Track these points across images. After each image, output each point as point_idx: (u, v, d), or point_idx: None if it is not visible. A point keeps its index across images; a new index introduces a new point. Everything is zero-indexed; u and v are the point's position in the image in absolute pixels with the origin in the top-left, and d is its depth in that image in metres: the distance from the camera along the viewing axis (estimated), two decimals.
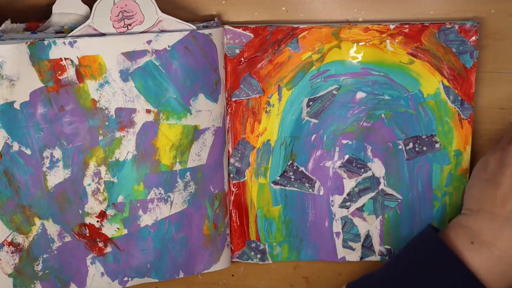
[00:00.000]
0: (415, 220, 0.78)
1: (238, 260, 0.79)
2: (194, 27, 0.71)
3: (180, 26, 0.71)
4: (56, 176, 0.71)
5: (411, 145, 0.77)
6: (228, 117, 0.76)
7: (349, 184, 0.78)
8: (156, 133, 0.72)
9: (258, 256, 0.79)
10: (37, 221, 0.72)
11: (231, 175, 0.77)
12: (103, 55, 0.70)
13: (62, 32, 0.71)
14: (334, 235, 0.79)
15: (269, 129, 0.76)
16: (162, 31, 0.71)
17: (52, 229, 0.73)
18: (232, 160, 0.77)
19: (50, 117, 0.70)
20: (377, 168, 0.77)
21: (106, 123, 0.71)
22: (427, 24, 0.74)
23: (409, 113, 0.76)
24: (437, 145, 0.76)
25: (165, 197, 0.74)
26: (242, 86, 0.75)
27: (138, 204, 0.74)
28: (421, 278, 0.68)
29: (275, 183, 0.78)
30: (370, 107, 0.76)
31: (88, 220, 0.73)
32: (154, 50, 0.70)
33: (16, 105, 0.68)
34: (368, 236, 0.79)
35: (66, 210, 0.72)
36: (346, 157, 0.77)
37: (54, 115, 0.70)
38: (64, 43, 0.68)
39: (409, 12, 0.75)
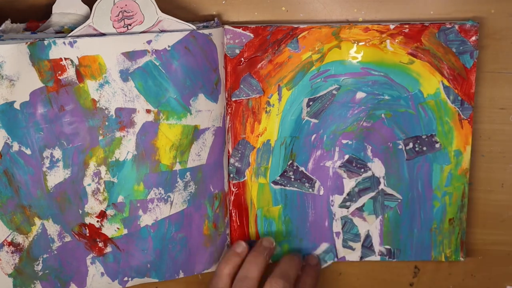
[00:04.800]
0: (415, 220, 0.78)
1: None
2: (194, 27, 0.71)
3: (180, 26, 0.71)
4: (56, 176, 0.71)
5: (411, 145, 0.77)
6: (228, 117, 0.76)
7: (349, 184, 0.78)
8: (156, 133, 0.72)
9: None
10: (37, 221, 0.72)
11: (231, 175, 0.77)
12: (103, 55, 0.70)
13: (62, 32, 0.71)
14: (334, 235, 0.79)
15: (269, 129, 0.76)
16: (162, 31, 0.71)
17: (52, 229, 0.72)
18: (232, 160, 0.77)
19: (50, 117, 0.70)
20: (377, 168, 0.77)
21: (106, 123, 0.71)
22: (427, 24, 0.74)
23: (409, 113, 0.76)
24: (437, 145, 0.76)
25: (165, 197, 0.74)
26: (242, 86, 0.75)
27: (138, 204, 0.74)
28: None
29: (275, 183, 0.78)
30: (370, 107, 0.76)
31: (88, 220, 0.73)
32: (154, 50, 0.70)
33: (16, 105, 0.68)
34: (368, 236, 0.79)
35: (66, 210, 0.72)
36: (346, 157, 0.77)
37: (54, 115, 0.70)
38: (64, 43, 0.68)
39: (409, 12, 0.75)
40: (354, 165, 0.77)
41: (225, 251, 0.77)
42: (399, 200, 0.78)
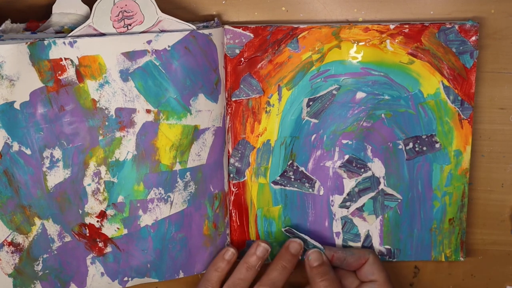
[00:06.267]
0: (415, 220, 0.78)
1: (238, 260, 0.79)
2: (194, 27, 0.71)
3: (180, 26, 0.71)
4: (56, 176, 0.71)
5: (411, 145, 0.77)
6: (228, 117, 0.76)
7: (349, 184, 0.78)
8: (156, 133, 0.72)
9: None
10: (37, 221, 0.72)
11: (231, 175, 0.77)
12: (103, 55, 0.70)
13: (62, 32, 0.71)
14: (334, 235, 0.79)
15: (269, 129, 0.76)
16: (162, 31, 0.71)
17: (52, 229, 0.73)
18: (232, 160, 0.77)
19: (50, 117, 0.70)
20: (377, 168, 0.77)
21: (106, 123, 0.71)
22: (427, 24, 0.74)
23: (409, 113, 0.76)
24: (437, 145, 0.76)
25: (165, 197, 0.74)
26: (242, 86, 0.76)
27: (138, 204, 0.74)
28: None
29: (275, 183, 0.78)
30: (370, 107, 0.76)
31: (88, 220, 0.73)
32: (154, 50, 0.70)
33: (16, 105, 0.68)
34: (368, 236, 0.79)
35: (66, 210, 0.72)
36: (346, 157, 0.77)
37: (54, 115, 0.70)
38: (64, 43, 0.68)
39: (409, 12, 0.75)
40: (354, 165, 0.77)
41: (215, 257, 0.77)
42: (399, 200, 0.78)
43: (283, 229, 0.78)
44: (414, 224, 0.78)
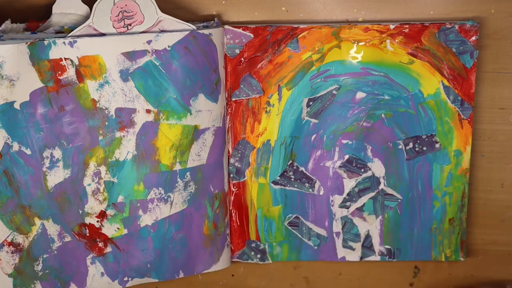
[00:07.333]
0: (415, 220, 0.78)
1: (238, 260, 0.79)
2: (194, 27, 0.71)
3: (180, 26, 0.71)
4: (56, 176, 0.71)
5: (411, 145, 0.77)
6: (228, 117, 0.76)
7: (349, 184, 0.78)
8: (156, 133, 0.72)
9: (258, 256, 0.79)
10: (37, 221, 0.72)
11: (231, 175, 0.77)
12: (103, 55, 0.70)
13: (62, 32, 0.71)
14: (334, 235, 0.79)
15: (269, 129, 0.76)
16: (162, 31, 0.71)
17: (52, 229, 0.73)
18: (232, 160, 0.77)
19: (50, 117, 0.70)
20: (377, 168, 0.77)
21: (106, 123, 0.71)
22: (427, 24, 0.74)
23: (409, 113, 0.76)
24: (437, 145, 0.76)
25: (165, 197, 0.74)
26: (242, 86, 0.76)
27: (138, 204, 0.74)
28: None
29: (275, 183, 0.78)
30: (370, 107, 0.76)
31: (88, 220, 0.73)
32: (154, 50, 0.70)
33: (16, 105, 0.68)
34: (368, 236, 0.79)
35: (66, 210, 0.72)
36: (346, 157, 0.77)
37: (54, 115, 0.70)
38: (64, 43, 0.68)
39: (409, 12, 0.75)
40: (354, 165, 0.77)
41: None
42: (399, 200, 0.78)
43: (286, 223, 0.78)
44: (414, 224, 0.78)
